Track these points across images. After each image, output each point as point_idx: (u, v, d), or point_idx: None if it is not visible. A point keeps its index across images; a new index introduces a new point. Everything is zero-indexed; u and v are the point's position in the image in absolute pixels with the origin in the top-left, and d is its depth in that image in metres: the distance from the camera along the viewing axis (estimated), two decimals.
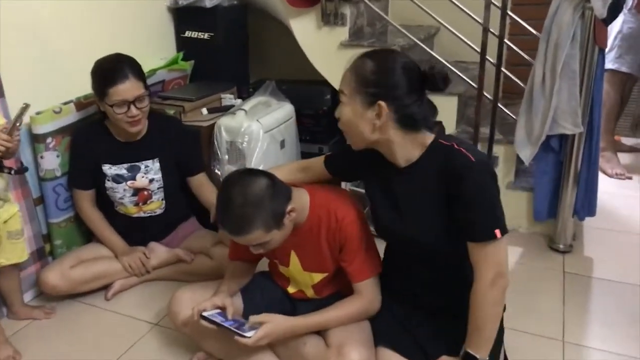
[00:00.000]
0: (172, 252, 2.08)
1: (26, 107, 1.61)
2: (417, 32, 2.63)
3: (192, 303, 1.51)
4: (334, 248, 1.47)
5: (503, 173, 2.36)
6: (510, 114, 2.33)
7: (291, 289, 1.63)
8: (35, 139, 1.95)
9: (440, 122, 1.32)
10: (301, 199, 1.44)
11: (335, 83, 2.32)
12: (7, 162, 1.67)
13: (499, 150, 2.34)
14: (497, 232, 1.19)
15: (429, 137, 1.29)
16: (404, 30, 2.40)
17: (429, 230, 1.29)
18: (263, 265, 1.69)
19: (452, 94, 2.35)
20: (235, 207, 1.31)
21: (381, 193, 1.38)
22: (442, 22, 2.41)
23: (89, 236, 2.14)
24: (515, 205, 2.36)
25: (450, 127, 2.38)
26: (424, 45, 2.41)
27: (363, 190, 1.83)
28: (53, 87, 2.05)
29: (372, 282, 1.46)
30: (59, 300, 1.98)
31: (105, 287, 2.02)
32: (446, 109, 2.33)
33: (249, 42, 2.87)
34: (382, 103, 1.22)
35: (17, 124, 1.59)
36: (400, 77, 1.22)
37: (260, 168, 2.15)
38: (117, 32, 2.37)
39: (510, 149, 2.31)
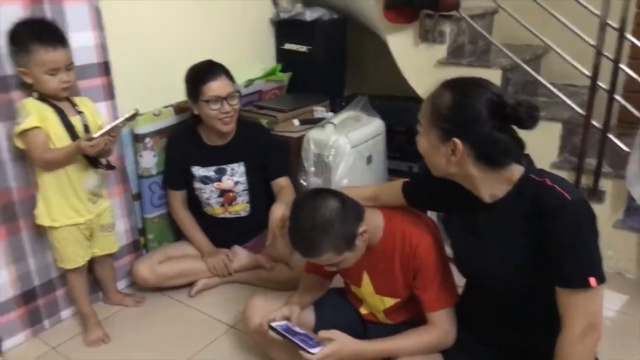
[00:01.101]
0: (253, 257, 2.14)
1: (135, 113, 1.73)
2: (523, 51, 2.49)
3: (264, 311, 1.54)
4: (407, 274, 1.42)
5: (610, 210, 2.15)
6: (623, 146, 2.11)
7: (363, 310, 1.60)
8: (136, 139, 2.11)
9: (528, 155, 1.22)
10: (375, 220, 1.41)
11: None
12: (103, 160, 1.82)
13: (606, 184, 2.14)
14: (592, 280, 1.06)
15: (517, 172, 1.19)
16: (506, 50, 2.28)
17: (513, 269, 1.19)
18: (340, 281, 1.67)
19: (555, 120, 2.19)
20: (304, 231, 1.31)
21: (463, 226, 1.30)
22: (548, 42, 2.25)
23: (178, 234, 2.27)
24: (623, 246, 2.14)
25: (551, 156, 2.22)
26: (527, 67, 2.27)
27: None
28: (156, 92, 2.21)
29: (448, 313, 1.39)
30: (149, 292, 2.11)
31: (190, 284, 2.12)
32: (547, 135, 2.18)
33: (347, 56, 2.89)
34: (457, 140, 1.15)
35: (120, 125, 1.70)
36: (479, 113, 1.13)
37: (344, 183, 2.16)
38: (221, 42, 2.49)
39: (620, 184, 2.09)
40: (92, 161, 1.76)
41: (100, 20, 1.89)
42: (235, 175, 2.09)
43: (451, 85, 1.19)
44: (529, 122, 1.12)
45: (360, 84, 3.03)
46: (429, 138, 1.20)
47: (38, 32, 1.60)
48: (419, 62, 2.43)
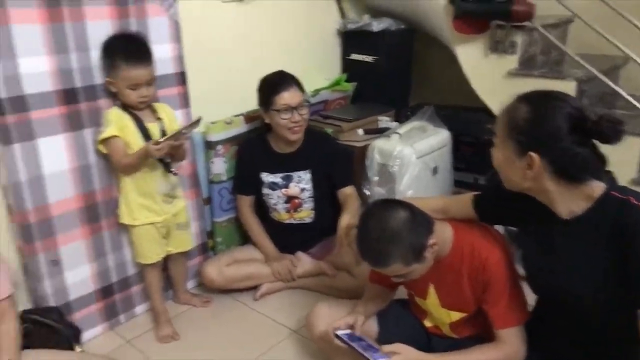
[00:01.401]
0: (317, 264, 2.18)
1: (198, 120, 1.80)
2: (600, 62, 2.39)
3: (329, 318, 1.57)
4: (476, 288, 1.40)
5: None
6: None
7: (427, 323, 1.59)
8: (208, 146, 2.21)
9: (610, 172, 1.18)
10: (444, 233, 1.40)
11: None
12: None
13: None
14: None
15: (597, 188, 1.15)
16: (582, 61, 2.20)
17: (592, 287, 1.15)
18: (404, 292, 1.67)
19: (635, 134, 2.08)
20: (372, 241, 1.32)
21: (538, 242, 1.27)
22: (628, 52, 2.15)
23: (245, 238, 2.34)
24: None
25: (631, 171, 2.12)
26: (604, 78, 2.18)
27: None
28: (227, 101, 2.31)
29: (517, 331, 1.36)
30: (215, 293, 2.19)
31: (255, 287, 2.19)
32: (627, 150, 2.07)
33: (413, 66, 2.89)
34: (534, 155, 1.12)
35: (183, 132, 1.77)
36: (558, 127, 1.09)
37: (409, 194, 2.15)
38: (289, 53, 2.57)
39: None
40: (166, 166, 1.86)
41: (179, 33, 2.00)
42: (302, 182, 2.14)
43: (528, 98, 1.17)
44: (613, 136, 1.08)
45: (426, 94, 3.01)
46: (504, 152, 1.19)
47: (126, 49, 1.73)
48: (489, 73, 2.39)
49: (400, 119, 2.57)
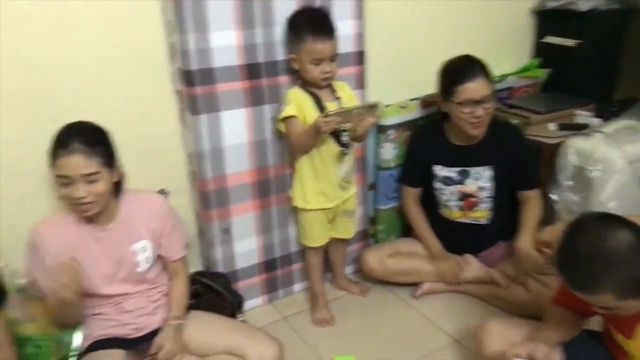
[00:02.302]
0: (487, 270, 1.97)
1: (374, 105, 1.68)
2: None
3: (503, 339, 1.40)
4: None
5: None
6: None
7: None
8: (379, 130, 2.10)
9: None
10: None
11: None
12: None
13: None
14: None
15: None
16: None
17: None
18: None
19: None
20: (581, 260, 1.09)
21: None
22: None
23: (406, 229, 2.21)
24: None
25: None
26: None
27: None
28: (404, 83, 2.17)
29: None
30: (373, 283, 2.11)
31: (414, 284, 2.06)
32: None
33: (624, 54, 2.45)
34: None
35: (355, 111, 1.66)
36: None
37: (610, 206, 1.83)
38: (472, 34, 2.34)
39: None
40: (342, 146, 1.78)
41: (363, 9, 1.90)
42: (480, 180, 1.92)
43: None
44: None
45: (637, 88, 2.54)
46: None
47: (312, 23, 1.69)
48: None
49: (603, 115, 2.18)
